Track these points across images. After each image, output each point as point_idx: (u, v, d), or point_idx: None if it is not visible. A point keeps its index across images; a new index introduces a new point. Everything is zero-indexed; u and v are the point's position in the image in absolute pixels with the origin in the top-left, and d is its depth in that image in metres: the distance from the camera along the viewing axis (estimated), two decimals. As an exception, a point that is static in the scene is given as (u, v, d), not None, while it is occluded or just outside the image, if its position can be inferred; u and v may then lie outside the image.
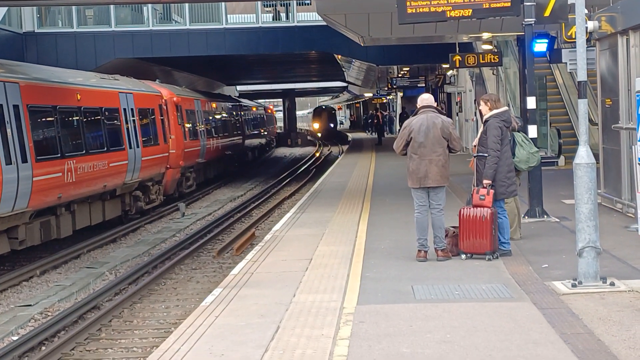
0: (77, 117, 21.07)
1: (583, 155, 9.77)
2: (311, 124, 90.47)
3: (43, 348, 11.86)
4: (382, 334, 8.07)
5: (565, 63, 20.44)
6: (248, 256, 13.25)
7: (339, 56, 41.98)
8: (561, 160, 25.52)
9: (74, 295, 15.40)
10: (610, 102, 16.08)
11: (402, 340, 7.83)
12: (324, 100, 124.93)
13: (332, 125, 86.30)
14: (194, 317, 9.15)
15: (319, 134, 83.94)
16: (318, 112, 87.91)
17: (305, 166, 47.17)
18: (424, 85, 48.17)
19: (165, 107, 28.89)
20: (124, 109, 24.42)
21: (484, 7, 14.72)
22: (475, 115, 34.04)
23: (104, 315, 13.40)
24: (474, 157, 12.10)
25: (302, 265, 11.87)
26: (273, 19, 37.47)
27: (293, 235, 15.09)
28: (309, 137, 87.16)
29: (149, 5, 35.24)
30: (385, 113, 71.50)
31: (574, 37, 15.91)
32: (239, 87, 76.87)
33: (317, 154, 58.79)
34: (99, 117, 22.51)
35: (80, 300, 14.57)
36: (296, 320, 8.76)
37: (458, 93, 41.70)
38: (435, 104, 12.12)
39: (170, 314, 13.76)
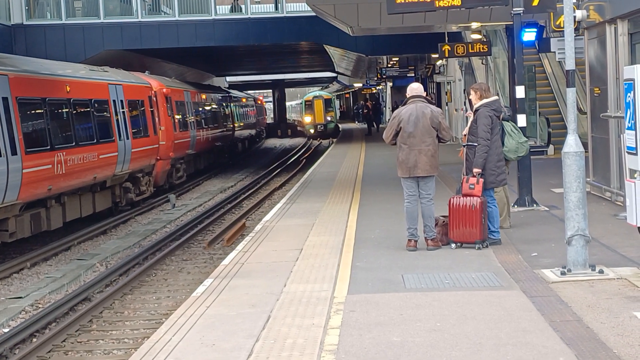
0: (67, 109, 21.01)
1: (572, 143, 9.81)
2: (302, 118, 70.88)
3: (34, 340, 11.87)
4: (373, 322, 8.11)
5: (554, 52, 20.46)
6: (239, 247, 13.28)
7: (334, 48, 41.89)
8: (550, 149, 25.59)
9: (64, 287, 15.39)
10: (599, 91, 16.13)
11: (392, 329, 7.87)
12: (313, 91, 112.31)
13: (329, 119, 67.04)
14: (185, 308, 9.17)
15: (312, 131, 65.64)
16: (310, 103, 67.46)
17: (296, 157, 47.18)
18: (413, 75, 48.18)
19: (155, 99, 28.84)
20: (114, 101, 24.37)
21: (473, -4, 14.74)
22: (465, 104, 34.09)
23: (94, 306, 13.42)
24: (464, 146, 12.14)
25: (292, 256, 11.90)
26: (231, 11, 37.28)
27: (283, 226, 15.11)
28: (299, 128, 78.57)
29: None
30: (375, 103, 71.35)
31: (562, 26, 15.94)
32: (229, 78, 76.78)
33: (307, 145, 58.67)
34: (88, 109, 22.46)
35: (71, 292, 14.57)
36: (287, 309, 8.79)
37: (447, 83, 41.75)
38: (424, 94, 12.13)
39: (161, 305, 13.78)
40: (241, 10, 37.05)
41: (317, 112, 65.69)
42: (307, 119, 67.03)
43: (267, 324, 8.23)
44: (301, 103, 73.74)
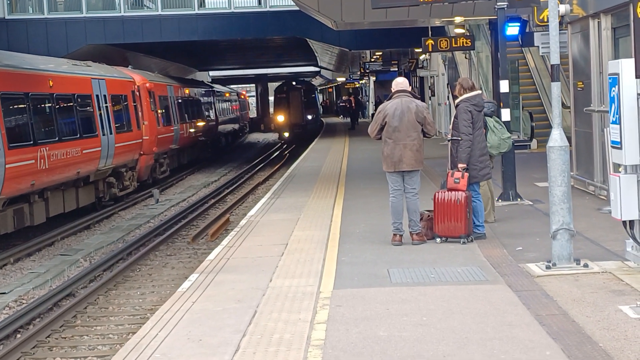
0: (50, 104, 20.91)
1: (556, 138, 9.84)
2: (274, 116, 54.26)
3: (18, 336, 11.81)
4: (359, 317, 8.11)
5: (537, 46, 20.49)
6: (224, 242, 13.25)
7: (318, 43, 41.84)
8: (533, 144, 25.67)
9: (48, 283, 15.33)
10: (582, 85, 16.19)
11: (379, 323, 7.88)
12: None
13: (310, 117, 52.03)
14: (171, 303, 9.14)
15: (286, 135, 51.01)
16: (284, 95, 51.87)
17: (279, 151, 47.11)
18: (396, 69, 48.21)
19: (138, 93, 28.75)
20: (97, 96, 24.26)
21: (457, -9, 14.77)
22: (448, 99, 34.15)
23: (79, 302, 13.38)
24: (448, 140, 12.16)
25: (278, 250, 11.89)
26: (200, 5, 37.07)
27: (268, 221, 15.10)
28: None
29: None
30: (359, 97, 71.29)
31: (546, 20, 15.95)
32: (212, 73, 76.56)
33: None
34: (71, 104, 22.35)
35: (55, 288, 14.51)
36: (273, 304, 8.78)
37: (431, 77, 41.79)
38: (409, 88, 12.13)
39: (146, 301, 13.75)
40: (204, 5, 36.81)
41: (293, 108, 50.66)
42: (280, 117, 50.62)
43: (254, 319, 8.22)
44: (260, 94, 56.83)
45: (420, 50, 32.74)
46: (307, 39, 40.46)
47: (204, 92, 45.04)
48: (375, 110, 13.23)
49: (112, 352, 10.44)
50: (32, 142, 19.10)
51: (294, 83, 53.93)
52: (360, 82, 74.88)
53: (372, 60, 50.81)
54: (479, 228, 11.94)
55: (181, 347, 7.48)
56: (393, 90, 11.93)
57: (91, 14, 35.26)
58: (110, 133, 24.72)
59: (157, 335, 7.87)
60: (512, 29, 18.84)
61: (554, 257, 9.80)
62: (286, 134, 50.73)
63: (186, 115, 37.46)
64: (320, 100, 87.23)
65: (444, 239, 11.76)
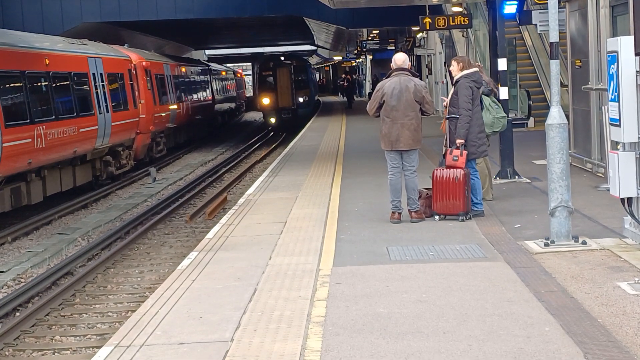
0: (46, 83, 20.85)
1: (555, 115, 9.84)
2: (259, 99, 45.50)
3: (17, 314, 11.84)
4: (359, 294, 8.14)
5: (535, 25, 20.45)
6: (222, 220, 13.27)
7: (314, 21, 41.69)
8: (531, 122, 25.66)
9: (46, 261, 15.35)
10: (580, 63, 16.17)
11: (378, 300, 7.91)
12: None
13: (302, 99, 44.32)
14: (171, 281, 9.16)
15: (273, 120, 43.78)
16: (269, 73, 44.13)
17: (276, 130, 47.01)
18: (393, 48, 48.12)
19: (134, 72, 28.67)
20: (93, 74, 24.20)
21: (455, -32, 14.73)
22: (445, 77, 34.09)
23: (77, 281, 13.40)
24: (446, 118, 12.15)
25: (277, 228, 11.90)
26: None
27: (266, 199, 15.11)
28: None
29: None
30: (354, 76, 71.20)
31: (544, -2, 15.91)
32: (208, 52, 76.38)
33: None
34: (68, 82, 22.29)
35: (53, 266, 14.53)
36: (273, 282, 8.80)
37: (428, 55, 41.72)
38: (409, 65, 12.07)
39: (145, 279, 13.78)
40: None
41: (281, 88, 43.40)
42: (265, 100, 43.24)
43: (254, 297, 8.24)
44: (256, 73, 47.74)
45: (417, 28, 32.68)
46: (304, 17, 40.33)
47: (200, 70, 44.92)
48: (373, 89, 13.18)
49: (112, 330, 10.47)
50: (29, 121, 19.06)
51: (282, 58, 45.61)
52: (357, 60, 74.71)
53: (369, 38, 50.70)
54: (477, 206, 11.96)
55: (182, 325, 7.50)
56: (392, 68, 11.88)
57: (87, -8, 35.11)
58: (107, 112, 24.67)
59: (157, 313, 7.89)
60: (510, 7, 18.78)
61: (552, 234, 9.82)
62: (272, 120, 43.59)
63: (183, 94, 37.40)
64: (317, 78, 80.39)
65: (442, 216, 11.78)
